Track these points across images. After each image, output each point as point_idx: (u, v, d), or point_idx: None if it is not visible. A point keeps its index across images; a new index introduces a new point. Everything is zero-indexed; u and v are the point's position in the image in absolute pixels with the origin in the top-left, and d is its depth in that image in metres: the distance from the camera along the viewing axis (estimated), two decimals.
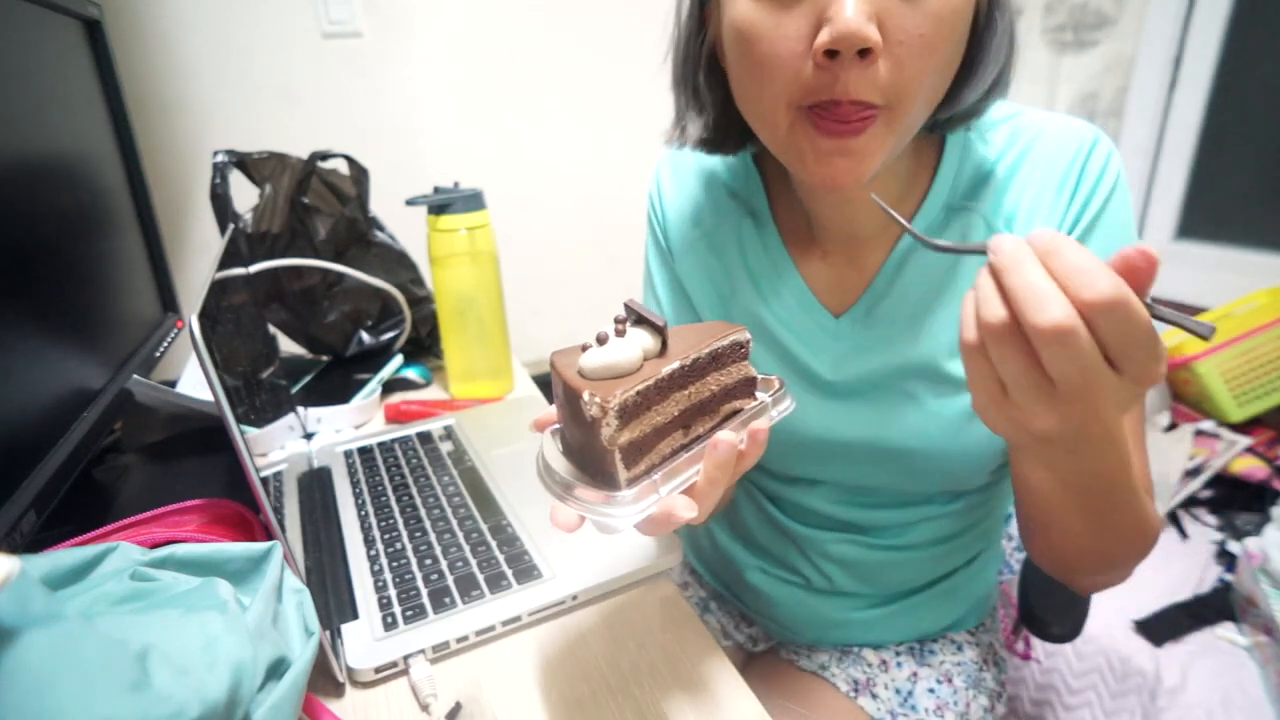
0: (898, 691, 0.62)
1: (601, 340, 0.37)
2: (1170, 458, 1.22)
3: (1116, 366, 0.29)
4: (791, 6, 0.39)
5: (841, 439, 0.55)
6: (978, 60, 0.43)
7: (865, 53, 0.37)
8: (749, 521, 0.68)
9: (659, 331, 0.38)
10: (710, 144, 0.53)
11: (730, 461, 0.35)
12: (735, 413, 0.41)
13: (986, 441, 0.51)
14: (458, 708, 0.45)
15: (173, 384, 0.76)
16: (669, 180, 0.63)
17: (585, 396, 0.34)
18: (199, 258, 1.46)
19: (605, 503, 0.35)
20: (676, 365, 0.37)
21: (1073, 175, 0.48)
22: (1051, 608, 0.69)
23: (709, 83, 0.50)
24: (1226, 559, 1.11)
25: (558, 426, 0.42)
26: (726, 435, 0.35)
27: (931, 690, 0.63)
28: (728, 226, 0.59)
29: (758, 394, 0.42)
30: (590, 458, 0.37)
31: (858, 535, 0.61)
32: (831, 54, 0.38)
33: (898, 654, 0.65)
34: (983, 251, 0.32)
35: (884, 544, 0.61)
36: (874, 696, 0.62)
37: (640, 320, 0.39)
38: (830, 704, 0.62)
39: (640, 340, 0.37)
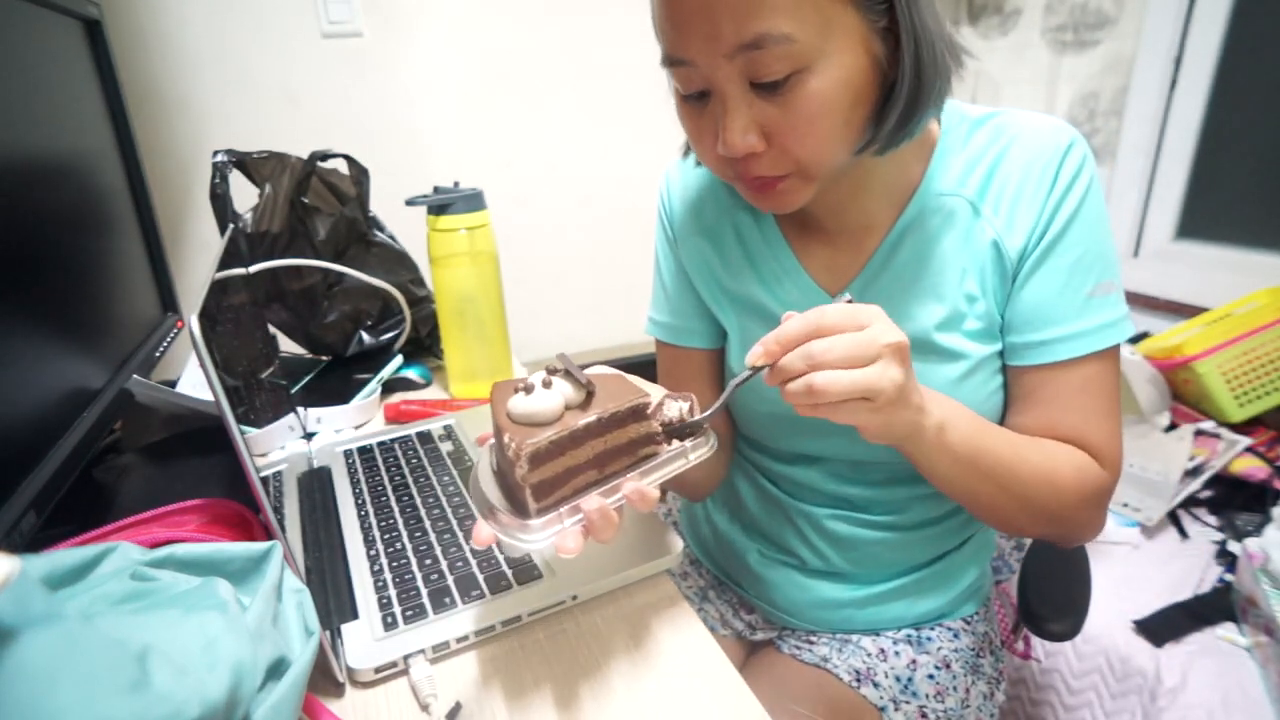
0: (898, 679, 0.64)
1: (528, 390, 0.42)
2: (1170, 458, 1.22)
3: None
4: (700, 113, 0.49)
5: None
6: (894, 88, 0.47)
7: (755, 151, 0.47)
8: (748, 503, 0.71)
9: (582, 386, 0.43)
10: None
11: (607, 519, 0.41)
12: (652, 455, 0.45)
13: None
14: (458, 708, 0.45)
15: (173, 384, 0.76)
16: (677, 180, 0.69)
17: (505, 438, 0.40)
18: (199, 258, 1.46)
19: (518, 529, 0.40)
20: (592, 419, 0.42)
21: (1050, 172, 0.52)
22: (1051, 605, 0.69)
23: None
24: (1227, 559, 1.11)
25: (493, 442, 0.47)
26: (591, 502, 0.41)
27: (931, 676, 0.64)
28: (725, 219, 0.64)
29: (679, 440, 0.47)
30: (510, 486, 0.42)
31: (852, 512, 0.64)
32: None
33: (895, 642, 0.67)
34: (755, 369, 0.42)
35: (877, 521, 0.64)
36: (875, 685, 0.63)
37: (567, 374, 0.44)
38: (834, 695, 0.63)
39: (563, 391, 0.42)
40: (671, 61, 0.47)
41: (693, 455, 0.46)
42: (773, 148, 0.47)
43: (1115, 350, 0.54)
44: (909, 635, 0.67)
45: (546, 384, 0.42)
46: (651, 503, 0.43)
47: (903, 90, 0.46)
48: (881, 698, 0.62)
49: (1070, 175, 0.52)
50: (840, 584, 0.67)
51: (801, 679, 0.65)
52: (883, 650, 0.66)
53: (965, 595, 0.69)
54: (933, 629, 0.68)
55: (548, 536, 0.40)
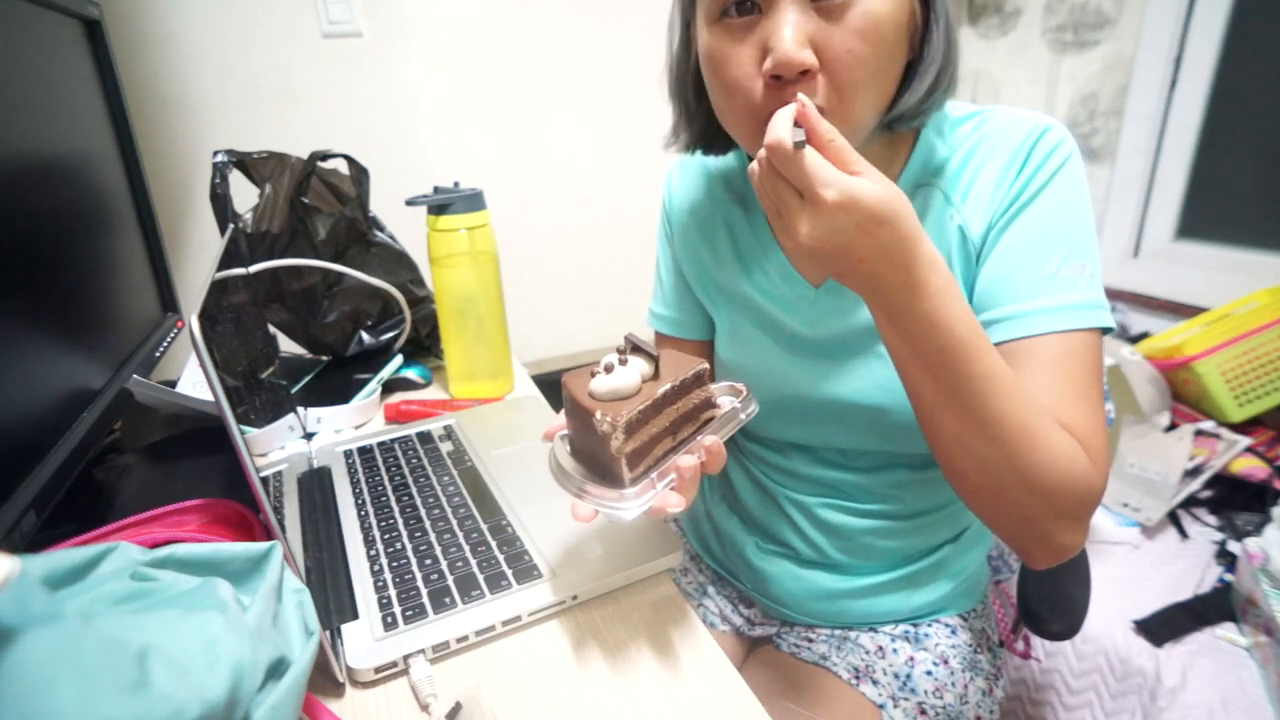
0: (896, 676, 0.64)
1: (608, 369, 0.45)
2: (1170, 458, 1.22)
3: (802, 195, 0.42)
4: (743, 38, 0.47)
5: (819, 396, 0.61)
6: (918, 64, 0.49)
7: (805, 73, 0.45)
8: (743, 494, 0.73)
9: (653, 359, 0.47)
10: (703, 147, 0.62)
11: (696, 476, 0.44)
12: (712, 419, 0.49)
13: None
14: (458, 708, 0.45)
15: (173, 384, 0.76)
16: (678, 177, 0.72)
17: (598, 415, 0.43)
18: (199, 258, 1.46)
19: (615, 499, 0.44)
20: (668, 387, 0.46)
21: (1020, 155, 0.52)
22: (1050, 604, 0.69)
23: (697, 96, 0.58)
24: (1227, 559, 1.12)
25: (564, 433, 0.51)
26: (686, 460, 0.44)
27: (929, 672, 0.64)
28: (719, 215, 0.67)
29: (730, 400, 0.51)
30: (600, 461, 0.45)
31: (843, 500, 0.65)
32: (777, 77, 0.46)
33: (893, 639, 0.67)
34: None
35: (868, 510, 0.65)
36: (874, 682, 0.63)
37: (637, 350, 0.47)
38: (833, 692, 0.63)
39: (638, 367, 0.46)
40: None
41: (744, 414, 0.49)
42: (822, 72, 0.46)
43: (1088, 337, 0.49)
44: (906, 632, 0.68)
45: (623, 362, 0.46)
46: (723, 459, 0.45)
47: (939, 45, 0.48)
48: (880, 695, 0.62)
49: (1040, 158, 0.52)
50: (834, 575, 0.68)
51: (801, 677, 0.66)
52: (880, 647, 0.66)
53: (962, 590, 0.69)
54: (930, 625, 0.68)
55: (645, 501, 0.43)
